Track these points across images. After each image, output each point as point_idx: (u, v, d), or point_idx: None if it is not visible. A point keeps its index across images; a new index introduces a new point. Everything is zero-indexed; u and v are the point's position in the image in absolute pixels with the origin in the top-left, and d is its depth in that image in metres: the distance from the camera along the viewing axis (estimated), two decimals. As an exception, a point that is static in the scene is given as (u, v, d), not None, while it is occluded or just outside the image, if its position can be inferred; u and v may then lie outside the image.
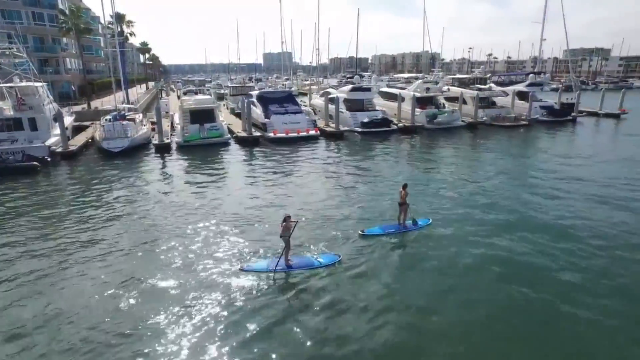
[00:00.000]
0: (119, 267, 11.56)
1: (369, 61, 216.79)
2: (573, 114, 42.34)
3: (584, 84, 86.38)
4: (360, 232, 13.52)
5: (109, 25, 49.08)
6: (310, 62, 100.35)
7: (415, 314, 9.44)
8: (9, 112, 26.33)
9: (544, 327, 8.91)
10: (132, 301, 9.89)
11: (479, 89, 42.39)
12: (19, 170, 22.09)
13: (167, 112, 41.05)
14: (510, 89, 44.73)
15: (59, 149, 25.81)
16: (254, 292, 10.27)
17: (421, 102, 38.20)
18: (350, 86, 41.61)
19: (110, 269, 11.42)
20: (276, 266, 11.16)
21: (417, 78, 55.95)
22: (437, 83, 43.33)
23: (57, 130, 26.82)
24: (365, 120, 35.00)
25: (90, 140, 30.22)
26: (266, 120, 33.19)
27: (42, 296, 10.18)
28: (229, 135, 31.27)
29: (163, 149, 27.91)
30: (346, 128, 34.53)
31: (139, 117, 33.66)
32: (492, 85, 48.54)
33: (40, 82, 30.43)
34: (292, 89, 50.16)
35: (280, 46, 77.61)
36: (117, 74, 40.90)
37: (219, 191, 19.07)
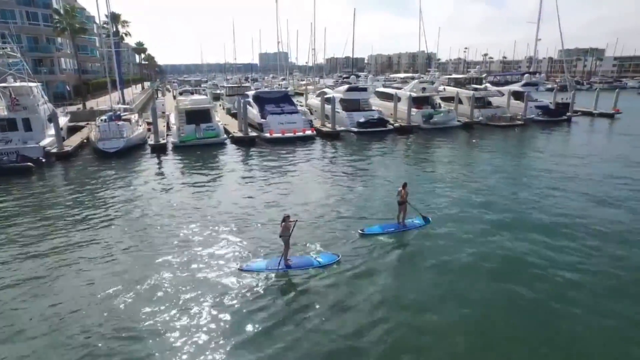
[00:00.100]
0: (116, 268, 11.51)
1: (365, 61, 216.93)
2: (568, 113, 42.59)
3: (579, 84, 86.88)
4: (360, 231, 13.54)
5: (104, 25, 48.86)
6: (306, 62, 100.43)
7: (415, 313, 9.45)
8: (3, 112, 26.16)
9: (544, 326, 8.95)
10: (129, 302, 9.83)
11: (475, 89, 42.57)
12: (13, 171, 21.93)
13: (163, 112, 40.91)
14: (505, 88, 44.90)
15: (54, 150, 25.65)
16: (253, 292, 10.26)
17: (417, 102, 38.30)
18: (346, 86, 41.63)
19: (107, 271, 11.37)
20: (276, 266, 11.18)
21: (413, 78, 56.08)
22: (433, 83, 43.45)
23: (52, 131, 26.66)
24: (362, 120, 35.02)
25: (85, 141, 30.06)
26: (262, 120, 33.14)
27: (38, 298, 10.11)
28: (225, 136, 31.18)
29: (159, 150, 27.80)
30: (342, 128, 34.55)
31: (134, 117, 33.51)
32: (488, 85, 48.80)
33: (35, 82, 30.20)
34: (289, 89, 50.17)
35: (277, 46, 77.46)
36: (113, 74, 40.77)
37: (216, 192, 19.02)
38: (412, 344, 8.50)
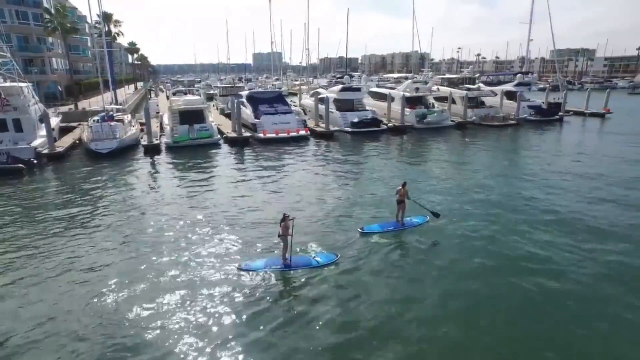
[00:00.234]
0: (111, 269, 11.40)
1: (359, 61, 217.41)
2: (560, 113, 42.97)
3: (571, 84, 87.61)
4: (360, 230, 13.60)
5: (96, 25, 48.48)
6: (300, 62, 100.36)
7: (415, 312, 9.47)
8: (-7, 113, 25.82)
9: (544, 323, 9.01)
10: (125, 303, 9.75)
11: (468, 89, 42.78)
12: (4, 172, 21.67)
13: (157, 113, 40.68)
14: (498, 88, 45.19)
15: (45, 151, 25.39)
16: (252, 291, 10.25)
17: (411, 102, 38.41)
18: (340, 86, 41.68)
19: (101, 272, 11.24)
20: (275, 265, 11.19)
21: (406, 78, 56.25)
22: (426, 83, 43.60)
23: (43, 132, 26.40)
24: (355, 120, 35.07)
25: (77, 142, 29.80)
26: (256, 120, 33.07)
27: (29, 299, 9.99)
28: (219, 136, 31.08)
29: (152, 150, 27.63)
30: (336, 128, 34.58)
31: (127, 117, 33.29)
32: (481, 85, 49.04)
33: (25, 82, 29.92)
34: (282, 89, 50.00)
35: (270, 46, 77.38)
36: (105, 74, 40.43)
37: (211, 192, 18.93)
38: (411, 343, 8.49)
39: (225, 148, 29.45)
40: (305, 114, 40.29)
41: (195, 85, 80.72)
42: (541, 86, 70.65)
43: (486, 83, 51.68)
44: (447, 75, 60.75)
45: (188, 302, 9.77)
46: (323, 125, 34.33)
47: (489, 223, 14.47)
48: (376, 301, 9.82)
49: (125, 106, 40.63)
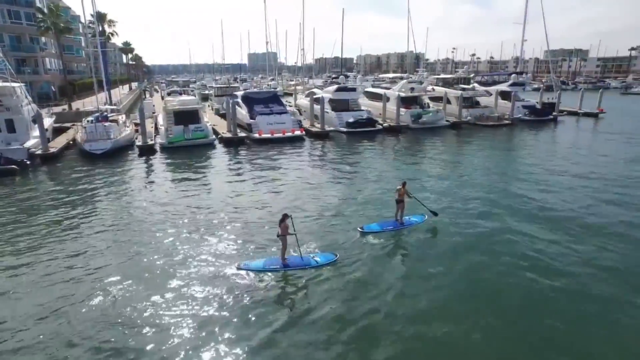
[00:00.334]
0: (106, 270, 11.29)
1: (354, 61, 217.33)
2: (554, 113, 43.23)
3: (564, 84, 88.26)
4: (360, 229, 13.64)
5: (90, 25, 48.16)
6: (295, 62, 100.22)
7: (414, 310, 9.50)
8: (-15, 113, 25.56)
9: (546, 323, 9.06)
10: (123, 304, 9.68)
11: (463, 89, 42.93)
12: (-3, 174, 21.46)
13: (153, 113, 40.46)
14: (493, 88, 45.41)
15: (39, 151, 25.18)
16: (251, 291, 10.24)
17: (406, 102, 38.48)
18: (335, 86, 41.64)
19: (97, 274, 11.13)
20: (275, 265, 11.21)
21: (401, 78, 56.26)
22: (421, 83, 43.70)
23: (37, 132, 26.18)
24: (351, 120, 35.08)
25: (71, 142, 29.58)
26: (251, 120, 32.99)
27: (23, 302, 9.90)
28: (214, 136, 30.98)
29: (147, 151, 27.49)
30: (331, 128, 34.58)
31: (122, 118, 33.09)
32: (476, 85, 49.23)
33: (18, 82, 29.66)
34: (277, 89, 49.91)
35: (265, 46, 77.05)
36: (99, 74, 40.13)
37: (207, 192, 18.85)
38: (411, 342, 8.50)
39: (220, 148, 29.36)
40: (300, 114, 40.27)
41: (190, 86, 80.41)
42: (535, 86, 70.96)
43: (481, 83, 51.92)
44: (442, 76, 60.91)
45: (187, 303, 9.72)
46: (318, 125, 34.32)
47: (486, 221, 14.62)
48: (375, 301, 9.83)
49: (120, 106, 40.30)
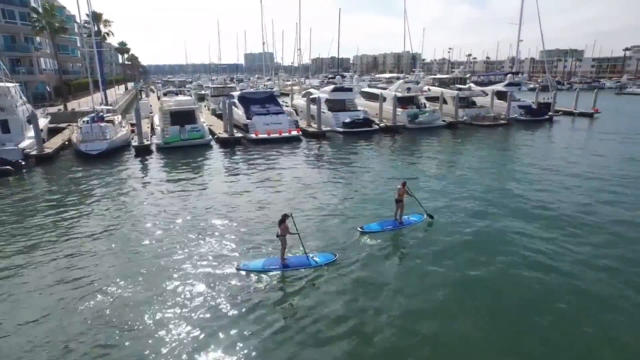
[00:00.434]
0: (105, 272, 11.22)
1: (351, 61, 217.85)
2: (550, 113, 43.41)
3: (560, 84, 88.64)
4: (360, 229, 13.67)
5: (85, 25, 47.95)
6: (291, 63, 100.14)
7: (414, 310, 9.50)
8: (-20, 114, 25.39)
9: (547, 320, 9.08)
10: (121, 306, 9.62)
11: (459, 89, 43.04)
12: (-9, 174, 21.31)
13: (150, 113, 40.32)
14: (489, 88, 45.54)
15: (34, 152, 25.02)
16: (250, 292, 10.22)
17: (402, 102, 38.55)
18: (331, 86, 41.67)
19: (94, 276, 11.04)
20: (274, 265, 11.21)
21: (398, 78, 56.41)
22: (418, 83, 43.80)
23: (31, 133, 26.01)
24: (347, 120, 35.09)
25: (67, 143, 29.41)
26: (248, 121, 32.94)
27: (17, 305, 9.82)
28: (210, 137, 30.90)
29: (143, 151, 27.37)
30: (328, 128, 34.58)
31: (117, 118, 32.97)
32: (472, 85, 49.40)
33: (12, 82, 29.50)
34: (274, 90, 49.87)
35: (262, 46, 77.06)
36: (95, 74, 40.02)
37: (204, 193, 18.77)
38: (411, 341, 8.50)
39: (216, 149, 29.29)
40: (297, 114, 40.25)
41: (187, 86, 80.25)
42: (531, 86, 71.45)
43: (477, 83, 52.06)
44: (439, 76, 61.09)
45: (186, 305, 9.67)
46: (315, 125, 34.32)
47: (483, 220, 14.69)
48: (375, 300, 9.84)
49: (116, 107, 40.21)
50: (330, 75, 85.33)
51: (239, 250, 12.46)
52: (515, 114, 41.46)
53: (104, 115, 31.03)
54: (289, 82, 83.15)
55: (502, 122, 39.72)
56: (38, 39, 51.61)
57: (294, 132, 32.28)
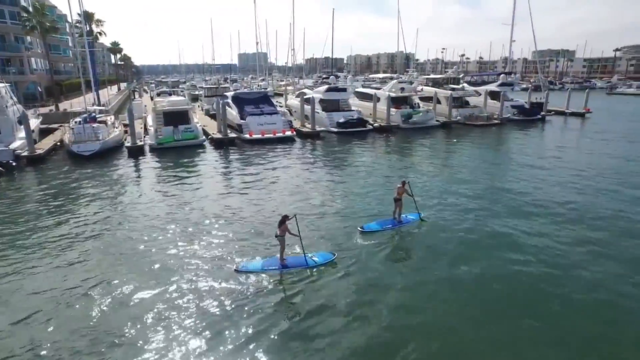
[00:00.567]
0: (99, 275, 11.06)
1: (345, 61, 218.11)
2: (542, 113, 43.79)
3: (552, 84, 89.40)
4: (360, 229, 13.72)
5: (77, 24, 47.51)
6: (285, 63, 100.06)
7: (414, 310, 9.53)
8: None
9: (548, 319, 9.13)
10: (119, 309, 9.53)
11: (453, 89, 43.23)
12: (-19, 176, 21.06)
13: (144, 114, 40.04)
14: (482, 88, 45.80)
15: (25, 153, 24.76)
16: (250, 292, 10.17)
17: (396, 102, 38.66)
18: (325, 86, 41.64)
19: (89, 281, 10.85)
20: (272, 266, 11.20)
21: (392, 78, 56.64)
22: (411, 83, 43.96)
23: (22, 133, 25.73)
24: (341, 120, 35.13)
25: (58, 144, 29.12)
26: (242, 121, 32.83)
27: (14, 308, 9.69)
28: (204, 137, 30.77)
29: (136, 152, 27.18)
30: (322, 128, 34.57)
31: (110, 119, 32.70)
32: (465, 85, 49.61)
33: (2, 82, 29.18)
34: (268, 90, 49.79)
35: (256, 46, 76.90)
36: (87, 74, 39.68)
37: (199, 194, 18.64)
38: (411, 341, 8.50)
39: (210, 149, 29.17)
40: (291, 114, 40.21)
41: (180, 86, 79.82)
42: (524, 86, 71.88)
43: (470, 83, 52.32)
44: (432, 76, 61.32)
45: (185, 306, 9.61)
46: (309, 125, 34.30)
47: (479, 217, 14.90)
48: (374, 299, 9.86)
49: (108, 107, 39.86)
50: (324, 75, 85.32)
51: (236, 251, 12.38)
52: (508, 114, 41.75)
53: (97, 116, 30.75)
54: (282, 82, 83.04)
55: (495, 121, 39.98)
56: (29, 38, 51.10)
57: (288, 133, 32.24)
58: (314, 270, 11.22)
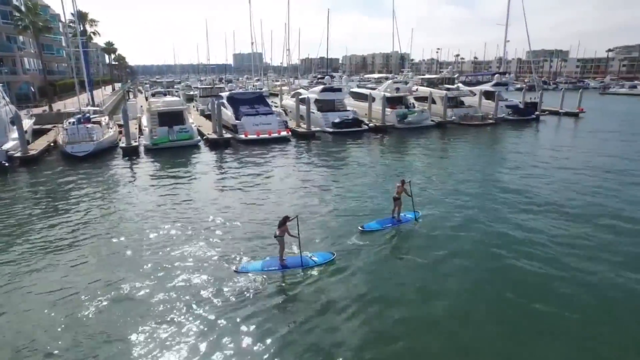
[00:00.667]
0: (95, 277, 10.93)
1: (340, 61, 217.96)
2: (536, 112, 44.03)
3: (546, 84, 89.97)
4: (360, 228, 13.74)
5: (71, 24, 47.19)
6: (281, 63, 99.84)
7: (413, 309, 9.55)
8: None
9: (550, 318, 9.17)
10: (118, 311, 9.45)
11: (448, 89, 43.41)
12: (-26, 177, 20.85)
13: (138, 114, 39.81)
14: (477, 88, 46.00)
15: (18, 154, 24.54)
16: (249, 293, 10.14)
17: (391, 102, 38.74)
18: (321, 87, 41.60)
19: (86, 283, 10.71)
20: (272, 266, 11.18)
21: (387, 78, 56.67)
22: (406, 83, 44.06)
23: (15, 134, 25.52)
24: (337, 120, 35.13)
25: (52, 145, 28.89)
26: (237, 121, 32.73)
27: (7, 313, 9.60)
28: (199, 138, 30.64)
29: (131, 153, 27.02)
30: (317, 128, 34.57)
31: (105, 119, 32.50)
32: (460, 85, 49.85)
33: (-5, 83, 28.91)
34: (263, 90, 49.69)
35: (251, 47, 76.62)
36: (81, 74, 39.41)
37: (195, 195, 18.52)
38: (410, 341, 8.51)
39: (205, 150, 29.06)
40: (286, 114, 40.14)
41: (175, 86, 79.50)
42: (518, 86, 72.23)
43: (465, 83, 52.56)
44: (427, 76, 61.56)
45: (184, 307, 9.55)
46: (304, 125, 34.27)
47: (481, 217, 14.98)
48: (374, 298, 9.86)
49: (103, 108, 39.63)
50: (319, 76, 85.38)
51: (234, 252, 12.30)
52: (503, 114, 41.94)
53: (91, 117, 30.54)
54: (278, 83, 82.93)
55: (490, 121, 40.16)
56: (21, 38, 50.68)
57: (284, 133, 32.18)
58: (314, 270, 11.22)
